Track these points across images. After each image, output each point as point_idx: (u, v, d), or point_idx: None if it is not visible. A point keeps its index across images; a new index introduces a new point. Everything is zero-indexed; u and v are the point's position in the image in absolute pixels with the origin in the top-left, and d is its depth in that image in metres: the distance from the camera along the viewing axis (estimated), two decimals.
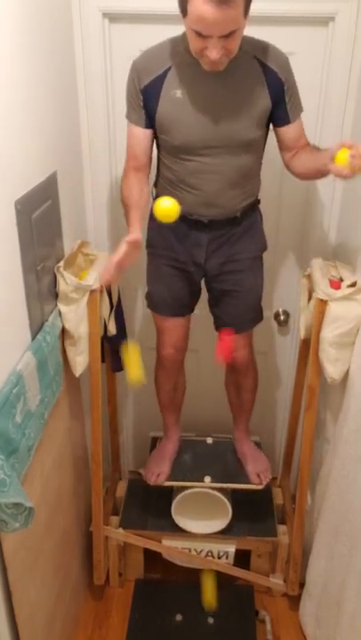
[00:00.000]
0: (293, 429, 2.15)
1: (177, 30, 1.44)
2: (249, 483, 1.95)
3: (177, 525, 1.98)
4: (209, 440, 2.13)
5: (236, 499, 2.02)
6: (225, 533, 1.99)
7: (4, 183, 1.24)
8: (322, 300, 1.59)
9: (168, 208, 1.33)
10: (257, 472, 1.96)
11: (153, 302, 1.79)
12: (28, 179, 1.38)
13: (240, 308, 1.74)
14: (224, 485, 1.95)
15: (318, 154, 1.49)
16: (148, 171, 1.61)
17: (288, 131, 1.54)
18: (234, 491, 2.00)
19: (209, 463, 2.02)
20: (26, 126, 1.35)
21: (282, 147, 1.59)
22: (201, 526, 1.99)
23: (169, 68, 1.45)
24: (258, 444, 2.13)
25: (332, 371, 1.62)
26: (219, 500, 1.94)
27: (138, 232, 1.41)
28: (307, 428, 1.79)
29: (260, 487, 1.95)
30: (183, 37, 1.37)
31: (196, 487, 1.94)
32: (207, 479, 1.94)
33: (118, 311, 1.87)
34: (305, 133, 1.58)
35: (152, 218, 1.70)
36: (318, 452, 1.91)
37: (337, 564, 1.70)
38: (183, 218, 1.60)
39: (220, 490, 1.95)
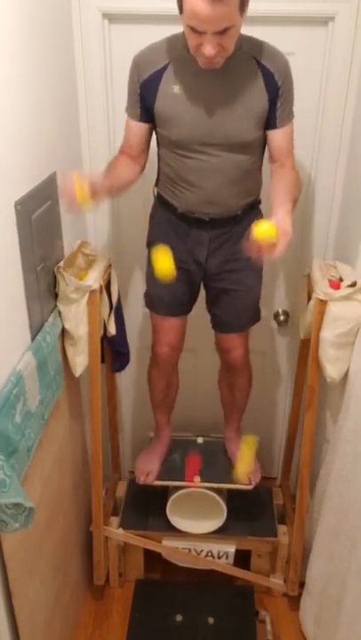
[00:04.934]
0: (293, 429, 2.15)
1: (176, 30, 1.44)
2: (238, 483, 1.95)
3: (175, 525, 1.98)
4: (200, 440, 2.14)
5: (237, 499, 2.02)
6: (225, 533, 1.99)
7: (4, 183, 1.24)
8: (322, 300, 1.59)
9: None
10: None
11: (151, 301, 1.79)
12: (27, 179, 1.38)
13: (238, 307, 1.74)
14: (213, 485, 1.94)
15: (275, 196, 1.46)
16: (139, 162, 1.62)
17: (272, 136, 1.53)
18: (232, 491, 2.00)
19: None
20: (26, 127, 1.35)
21: (268, 151, 1.58)
22: (197, 526, 1.99)
23: (168, 64, 1.46)
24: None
25: (332, 371, 1.62)
26: (213, 500, 1.95)
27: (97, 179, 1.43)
28: (307, 427, 1.79)
29: (249, 487, 1.95)
30: (183, 35, 1.38)
31: (186, 487, 1.94)
32: (197, 479, 1.94)
33: (118, 311, 1.87)
34: (292, 151, 1.56)
35: (153, 216, 1.71)
36: (318, 451, 1.91)
37: (337, 564, 1.70)
38: (184, 216, 1.61)
39: (216, 490, 1.95)
